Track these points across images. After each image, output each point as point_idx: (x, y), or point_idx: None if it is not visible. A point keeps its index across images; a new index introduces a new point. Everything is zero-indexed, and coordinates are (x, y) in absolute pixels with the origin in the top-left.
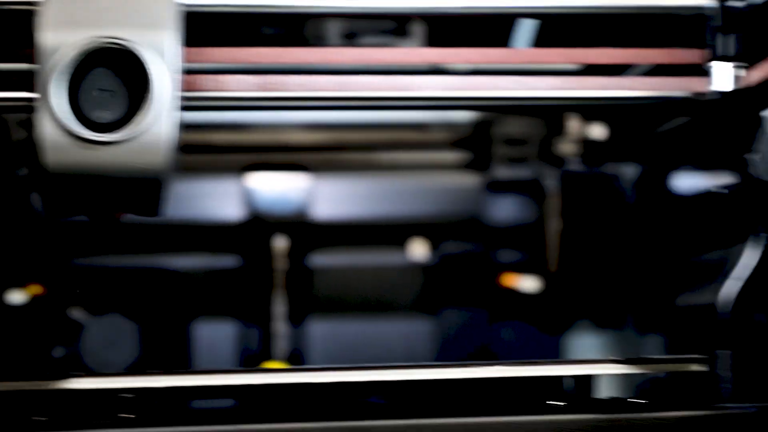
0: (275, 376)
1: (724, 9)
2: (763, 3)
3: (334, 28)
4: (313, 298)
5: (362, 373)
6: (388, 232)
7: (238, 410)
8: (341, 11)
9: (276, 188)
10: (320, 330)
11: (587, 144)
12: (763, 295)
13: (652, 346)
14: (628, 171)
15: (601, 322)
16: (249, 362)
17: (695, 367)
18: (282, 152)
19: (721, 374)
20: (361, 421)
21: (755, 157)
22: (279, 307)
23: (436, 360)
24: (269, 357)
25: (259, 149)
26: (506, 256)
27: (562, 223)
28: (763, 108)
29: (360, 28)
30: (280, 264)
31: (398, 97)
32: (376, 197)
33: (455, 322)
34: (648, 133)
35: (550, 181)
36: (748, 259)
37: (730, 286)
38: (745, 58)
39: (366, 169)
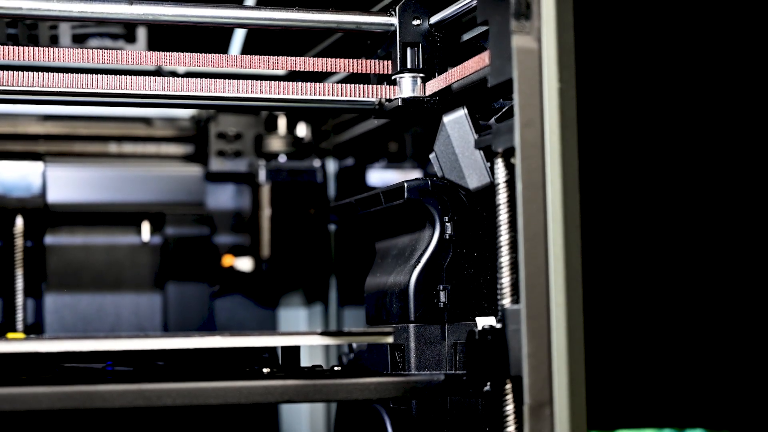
0: (16, 345)
1: (407, 27)
2: (436, 24)
3: (65, 31)
4: (50, 274)
5: (96, 343)
6: (118, 216)
7: None
8: (72, 17)
9: (15, 174)
10: (57, 303)
11: (295, 141)
12: (439, 276)
13: (355, 319)
14: (330, 166)
15: (309, 298)
16: None
17: (386, 339)
18: (19, 141)
19: (406, 345)
20: (93, 386)
21: (433, 156)
22: (19, 282)
23: (163, 331)
24: (12, 328)
25: None
26: (225, 239)
27: (273, 211)
28: (440, 113)
29: (90, 31)
30: (20, 243)
31: (124, 94)
32: (106, 184)
33: (180, 296)
34: (346, 132)
35: (263, 173)
36: (427, 244)
37: (413, 268)
38: (425, 70)
39: (97, 159)
